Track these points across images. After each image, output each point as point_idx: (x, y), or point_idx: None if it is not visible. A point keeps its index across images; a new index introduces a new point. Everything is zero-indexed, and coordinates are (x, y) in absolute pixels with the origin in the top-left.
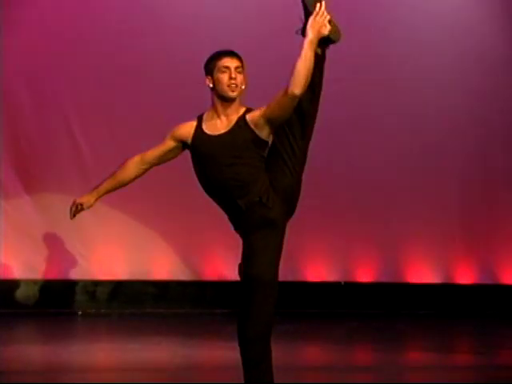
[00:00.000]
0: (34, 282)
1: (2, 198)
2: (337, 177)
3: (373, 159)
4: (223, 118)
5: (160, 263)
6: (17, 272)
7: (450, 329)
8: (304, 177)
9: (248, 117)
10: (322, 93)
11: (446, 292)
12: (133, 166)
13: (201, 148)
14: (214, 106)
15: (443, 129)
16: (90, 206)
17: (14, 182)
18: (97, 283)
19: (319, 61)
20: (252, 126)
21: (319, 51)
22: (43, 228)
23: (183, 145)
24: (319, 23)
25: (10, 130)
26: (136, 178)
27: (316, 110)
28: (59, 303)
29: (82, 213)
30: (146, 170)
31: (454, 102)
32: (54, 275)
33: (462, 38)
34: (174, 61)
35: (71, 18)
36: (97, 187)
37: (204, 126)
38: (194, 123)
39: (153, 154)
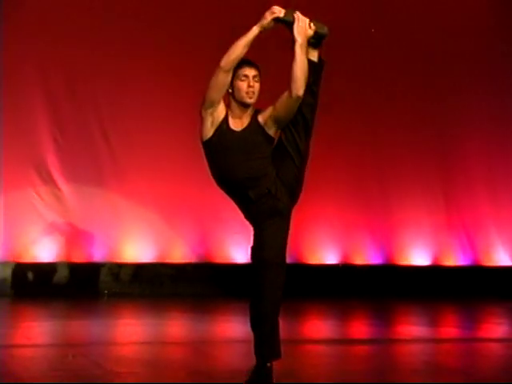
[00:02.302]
0: (66, 264)
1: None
2: (337, 170)
3: (370, 156)
4: (238, 119)
5: (178, 248)
6: (52, 256)
7: (437, 306)
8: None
9: (259, 118)
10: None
11: (434, 273)
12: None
13: (220, 139)
14: (230, 109)
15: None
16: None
17: (49, 172)
18: (121, 266)
19: (316, 68)
20: (263, 126)
21: (315, 58)
22: (74, 216)
23: (215, 105)
24: (303, 27)
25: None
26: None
27: (315, 112)
28: (88, 284)
29: (107, 208)
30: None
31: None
32: (83, 259)
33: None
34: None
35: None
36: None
37: (229, 120)
38: (225, 112)
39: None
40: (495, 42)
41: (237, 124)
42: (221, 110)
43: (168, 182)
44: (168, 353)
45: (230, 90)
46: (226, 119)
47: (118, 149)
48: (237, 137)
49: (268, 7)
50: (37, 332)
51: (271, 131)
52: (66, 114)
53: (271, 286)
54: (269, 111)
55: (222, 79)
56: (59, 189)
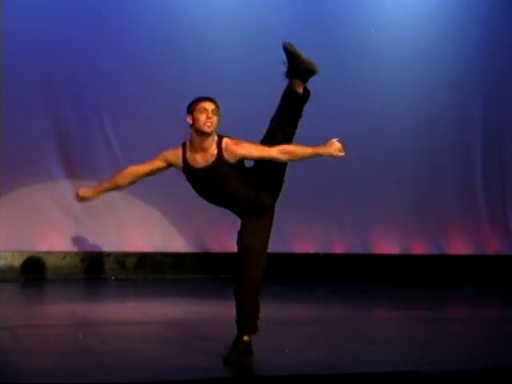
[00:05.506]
0: (76, 253)
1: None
2: (319, 170)
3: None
4: (200, 151)
5: (177, 239)
6: (63, 246)
7: (407, 291)
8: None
9: (225, 154)
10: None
11: (404, 261)
12: (128, 177)
13: (190, 177)
14: (192, 142)
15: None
16: (90, 200)
17: (58, 170)
18: (126, 254)
19: (301, 100)
20: (228, 160)
21: (301, 90)
22: (84, 210)
23: (171, 165)
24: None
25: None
26: (129, 185)
27: (295, 132)
28: (96, 270)
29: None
30: (136, 182)
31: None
32: (92, 248)
33: None
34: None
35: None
36: (98, 186)
37: (188, 158)
38: (180, 152)
39: (144, 170)
40: None
41: (197, 159)
42: (175, 161)
43: (167, 182)
44: (167, 331)
45: (191, 122)
46: (184, 160)
47: (120, 150)
48: (202, 173)
49: None
50: (50, 313)
51: (237, 161)
52: (72, 125)
53: (251, 270)
54: (240, 152)
55: None
56: (71, 185)
